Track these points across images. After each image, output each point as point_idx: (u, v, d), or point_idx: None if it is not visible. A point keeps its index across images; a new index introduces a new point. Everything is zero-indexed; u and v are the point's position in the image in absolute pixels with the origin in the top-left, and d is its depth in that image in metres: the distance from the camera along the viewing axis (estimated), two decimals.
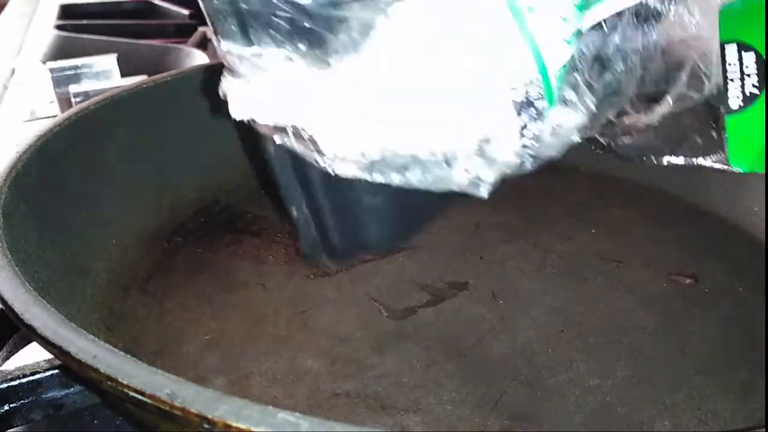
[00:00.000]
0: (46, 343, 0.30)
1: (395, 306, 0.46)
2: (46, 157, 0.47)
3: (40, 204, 0.45)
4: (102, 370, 0.28)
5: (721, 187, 0.57)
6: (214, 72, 0.61)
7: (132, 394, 0.27)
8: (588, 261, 0.51)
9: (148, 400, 0.27)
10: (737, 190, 0.56)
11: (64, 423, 0.39)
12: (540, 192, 0.59)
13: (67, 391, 0.39)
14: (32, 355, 0.42)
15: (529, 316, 0.45)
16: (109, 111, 0.54)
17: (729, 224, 0.55)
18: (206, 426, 0.26)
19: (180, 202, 0.52)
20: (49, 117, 0.82)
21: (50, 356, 0.38)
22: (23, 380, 0.38)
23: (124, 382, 0.27)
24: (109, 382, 0.28)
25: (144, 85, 0.58)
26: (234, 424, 0.25)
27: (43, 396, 0.39)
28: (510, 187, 0.58)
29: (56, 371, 0.38)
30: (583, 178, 0.62)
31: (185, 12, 1.17)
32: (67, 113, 0.52)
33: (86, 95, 0.76)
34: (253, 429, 0.25)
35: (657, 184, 0.58)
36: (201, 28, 1.08)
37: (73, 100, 0.77)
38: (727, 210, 0.56)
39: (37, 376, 0.39)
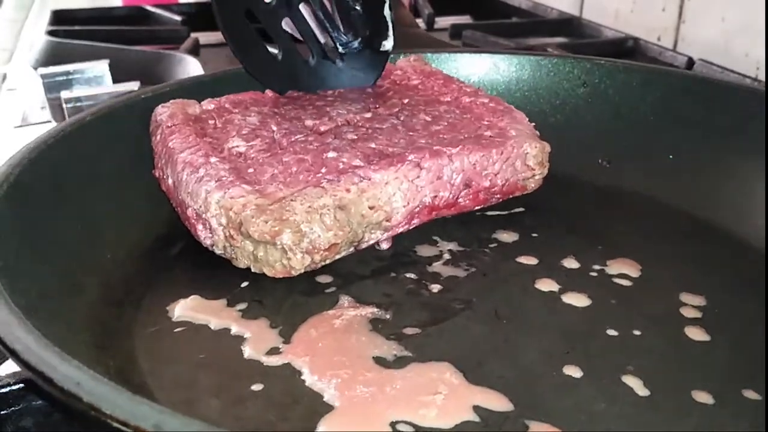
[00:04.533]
0: (28, 369, 0.29)
1: (397, 323, 0.45)
2: (39, 169, 0.46)
3: (33, 218, 0.44)
4: (85, 399, 0.27)
5: (727, 202, 0.56)
6: (213, 83, 0.62)
7: (116, 425, 0.26)
8: (594, 279, 0.50)
9: None
10: (744, 204, 0.56)
11: (54, 429, 0.39)
12: (544, 207, 0.58)
13: None
14: None
15: (533, 337, 0.44)
16: (105, 122, 0.53)
17: (737, 240, 0.54)
18: None
19: (178, 215, 0.51)
20: (40, 123, 0.81)
21: None
22: (14, 387, 0.38)
23: (108, 413, 0.26)
24: (93, 412, 0.27)
25: (141, 96, 0.57)
26: None
27: (34, 403, 0.38)
28: (513, 202, 0.58)
29: None
30: (587, 192, 0.61)
31: (177, 18, 1.17)
32: (61, 125, 0.51)
33: (78, 101, 0.75)
34: None
35: (662, 198, 0.57)
36: (193, 35, 1.08)
37: (64, 105, 0.76)
38: (735, 225, 0.55)
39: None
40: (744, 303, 0.47)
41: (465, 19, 1.27)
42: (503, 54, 0.66)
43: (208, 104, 0.57)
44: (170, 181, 0.52)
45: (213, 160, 0.50)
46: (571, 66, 0.64)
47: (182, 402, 0.39)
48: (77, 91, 0.79)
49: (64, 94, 0.77)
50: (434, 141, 0.54)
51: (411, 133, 0.55)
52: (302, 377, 0.41)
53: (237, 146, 0.52)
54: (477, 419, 0.38)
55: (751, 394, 0.40)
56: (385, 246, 0.53)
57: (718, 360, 0.43)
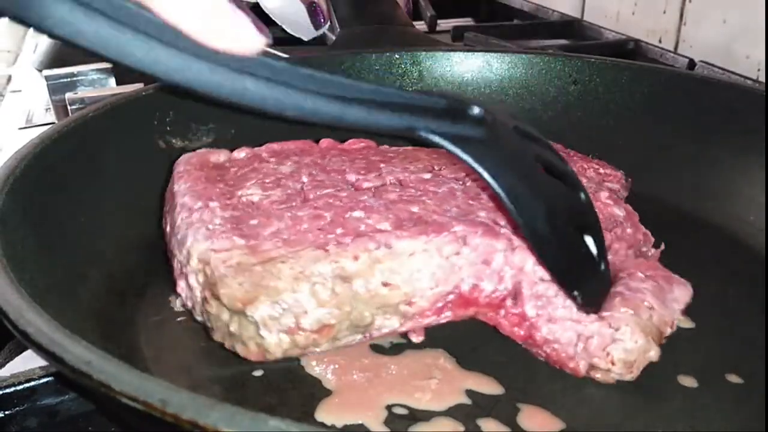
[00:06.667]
0: (40, 350, 0.30)
1: None
2: (45, 163, 0.47)
3: (38, 210, 0.45)
4: (95, 377, 0.28)
5: (713, 195, 0.58)
6: None
7: (125, 400, 0.27)
8: None
9: (141, 407, 0.27)
10: (731, 199, 0.57)
11: (58, 429, 0.39)
12: None
13: (61, 398, 0.39)
14: (27, 362, 0.42)
15: None
16: (108, 118, 0.54)
17: (724, 233, 0.55)
18: None
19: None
20: (45, 124, 0.82)
21: (45, 363, 0.38)
22: (18, 387, 0.39)
23: (117, 389, 0.27)
24: (102, 389, 0.28)
25: (143, 92, 0.58)
26: (225, 431, 0.25)
27: (38, 403, 0.39)
28: None
29: (51, 378, 0.38)
30: None
31: None
32: (65, 120, 0.52)
33: (82, 102, 0.76)
34: None
35: (652, 193, 0.59)
36: None
37: (68, 107, 0.77)
38: (722, 219, 0.56)
39: (32, 383, 0.39)
40: (728, 292, 0.49)
41: (467, 21, 1.28)
42: (496, 53, 0.67)
43: (240, 152, 0.51)
44: (168, 229, 0.46)
45: (213, 204, 0.44)
46: (562, 64, 0.66)
47: (185, 387, 0.40)
48: (81, 93, 0.79)
49: (69, 96, 0.78)
50: (498, 216, 0.43)
51: (471, 202, 0.44)
52: (301, 364, 0.42)
53: (251, 194, 0.45)
54: (469, 402, 0.39)
55: (733, 378, 0.41)
56: (415, 339, 0.43)
57: (702, 346, 0.44)
